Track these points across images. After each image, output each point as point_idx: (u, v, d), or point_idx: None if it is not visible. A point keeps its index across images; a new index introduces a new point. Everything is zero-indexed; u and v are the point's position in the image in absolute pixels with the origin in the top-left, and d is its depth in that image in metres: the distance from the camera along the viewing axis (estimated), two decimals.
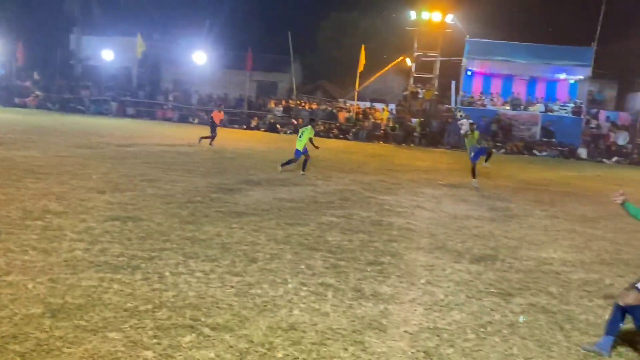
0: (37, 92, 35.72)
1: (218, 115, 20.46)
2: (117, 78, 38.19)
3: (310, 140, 13.50)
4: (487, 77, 32.78)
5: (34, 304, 4.38)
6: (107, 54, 36.89)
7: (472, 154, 14.17)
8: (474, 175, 14.18)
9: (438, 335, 4.40)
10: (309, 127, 13.68)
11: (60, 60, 38.58)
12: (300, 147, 13.31)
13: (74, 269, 5.24)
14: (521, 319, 4.98)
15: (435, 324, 4.63)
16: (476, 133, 14.50)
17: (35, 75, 37.75)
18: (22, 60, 36.74)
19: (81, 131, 20.59)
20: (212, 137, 19.37)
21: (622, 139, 29.46)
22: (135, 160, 13.36)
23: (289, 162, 13.50)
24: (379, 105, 33.72)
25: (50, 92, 36.24)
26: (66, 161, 12.25)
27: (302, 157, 13.45)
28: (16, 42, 36.47)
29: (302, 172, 13.34)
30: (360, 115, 32.33)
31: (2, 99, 34.73)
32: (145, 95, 36.32)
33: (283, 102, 34.67)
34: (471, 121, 15.41)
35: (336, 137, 30.73)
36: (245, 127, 32.37)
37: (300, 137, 13.47)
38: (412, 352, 4.07)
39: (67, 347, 3.77)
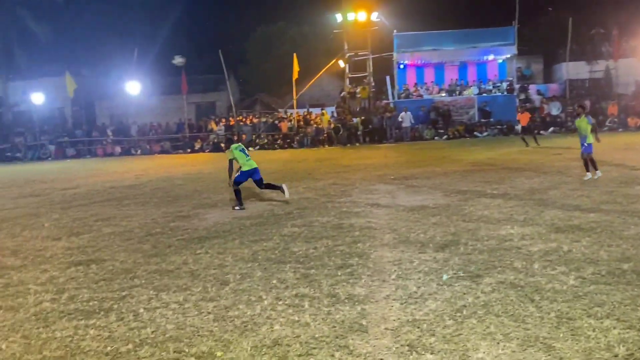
0: None
1: None
2: (51, 120, 37.28)
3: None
4: (420, 68, 33.53)
5: None
6: (37, 97, 35.76)
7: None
8: (594, 165, 12.25)
9: (418, 327, 4.53)
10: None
11: None
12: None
13: (45, 321, 5.14)
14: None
15: (413, 317, 4.76)
16: (584, 120, 12.47)
17: None
18: None
19: (22, 180, 19.99)
20: None
21: (555, 109, 30.63)
22: (85, 201, 13.10)
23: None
24: (315, 111, 34.00)
25: None
26: (14, 213, 11.90)
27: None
28: None
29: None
30: (302, 122, 32.51)
31: None
32: (83, 133, 35.53)
33: (223, 121, 34.53)
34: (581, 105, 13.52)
35: (281, 147, 30.84)
36: (189, 150, 32.08)
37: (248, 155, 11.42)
38: (397, 347, 4.18)
39: None
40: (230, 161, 11.08)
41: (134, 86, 34.92)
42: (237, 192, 11.02)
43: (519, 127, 22.79)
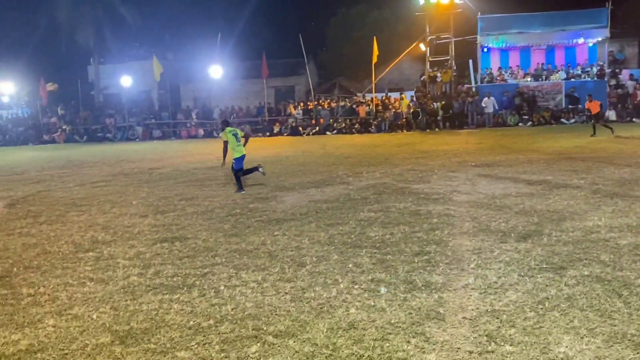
0: (64, 127, 36.56)
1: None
2: (139, 103, 38.89)
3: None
4: (504, 52, 32.45)
5: (102, 333, 4.54)
6: (126, 80, 37.35)
7: None
8: None
9: (497, 318, 4.43)
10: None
11: (82, 92, 39.37)
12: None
13: (132, 294, 5.41)
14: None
15: (492, 307, 4.66)
16: None
17: (60, 110, 38.63)
18: (46, 97, 37.55)
19: (112, 159, 21.01)
20: None
21: None
22: (170, 181, 13.62)
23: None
24: (394, 95, 33.62)
25: (76, 124, 37.07)
26: (104, 190, 12.55)
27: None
28: (38, 80, 37.35)
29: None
30: (380, 107, 32.26)
31: (32, 137, 35.74)
32: (168, 116, 36.83)
33: (301, 105, 34.80)
34: None
35: (359, 132, 30.77)
36: (268, 134, 32.57)
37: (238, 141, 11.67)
38: (475, 337, 4.11)
39: None
40: (225, 142, 11.74)
41: (217, 70, 35.73)
42: (246, 172, 11.72)
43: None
